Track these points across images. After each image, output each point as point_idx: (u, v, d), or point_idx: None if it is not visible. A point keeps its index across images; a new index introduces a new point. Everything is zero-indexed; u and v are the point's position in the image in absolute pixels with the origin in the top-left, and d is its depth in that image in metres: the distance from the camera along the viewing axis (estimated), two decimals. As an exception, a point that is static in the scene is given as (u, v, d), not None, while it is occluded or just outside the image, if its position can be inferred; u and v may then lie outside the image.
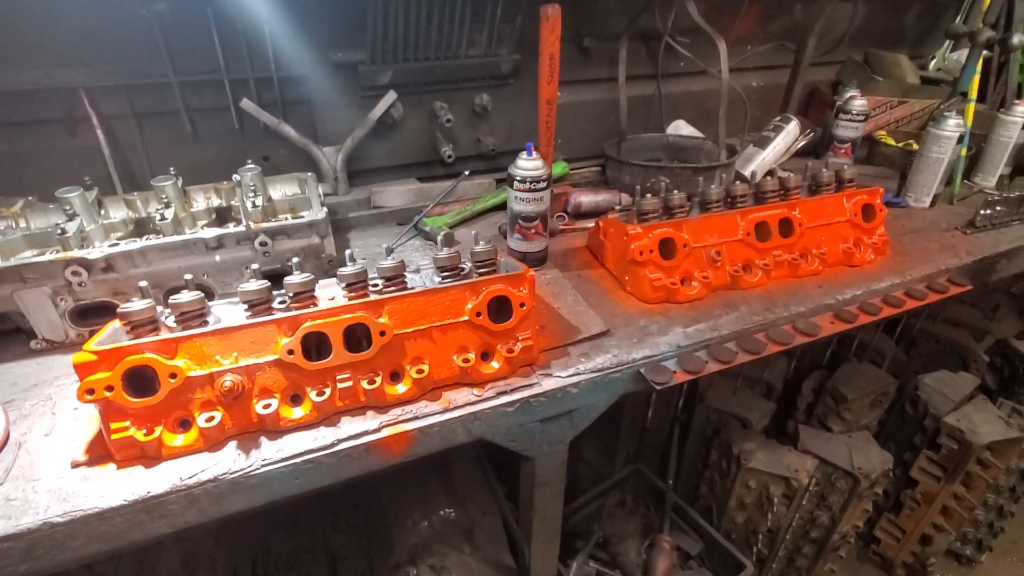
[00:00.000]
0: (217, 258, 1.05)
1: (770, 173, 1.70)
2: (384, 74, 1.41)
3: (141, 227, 1.12)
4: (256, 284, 0.89)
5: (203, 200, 1.19)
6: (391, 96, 1.44)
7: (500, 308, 0.98)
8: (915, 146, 1.59)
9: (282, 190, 1.25)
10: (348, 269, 0.93)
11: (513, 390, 0.95)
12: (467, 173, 1.54)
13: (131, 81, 1.27)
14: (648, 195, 1.20)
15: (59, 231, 0.96)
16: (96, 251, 0.97)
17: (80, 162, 1.28)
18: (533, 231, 1.21)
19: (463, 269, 1.01)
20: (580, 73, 1.72)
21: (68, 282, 0.96)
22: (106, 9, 1.19)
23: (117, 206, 1.15)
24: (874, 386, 1.73)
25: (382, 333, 0.91)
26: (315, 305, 0.90)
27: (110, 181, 1.28)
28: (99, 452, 0.82)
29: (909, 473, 1.72)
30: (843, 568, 1.95)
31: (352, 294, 0.93)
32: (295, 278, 0.91)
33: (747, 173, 1.59)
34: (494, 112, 1.61)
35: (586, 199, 1.47)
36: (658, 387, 0.99)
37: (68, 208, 1.02)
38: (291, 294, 0.91)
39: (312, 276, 0.92)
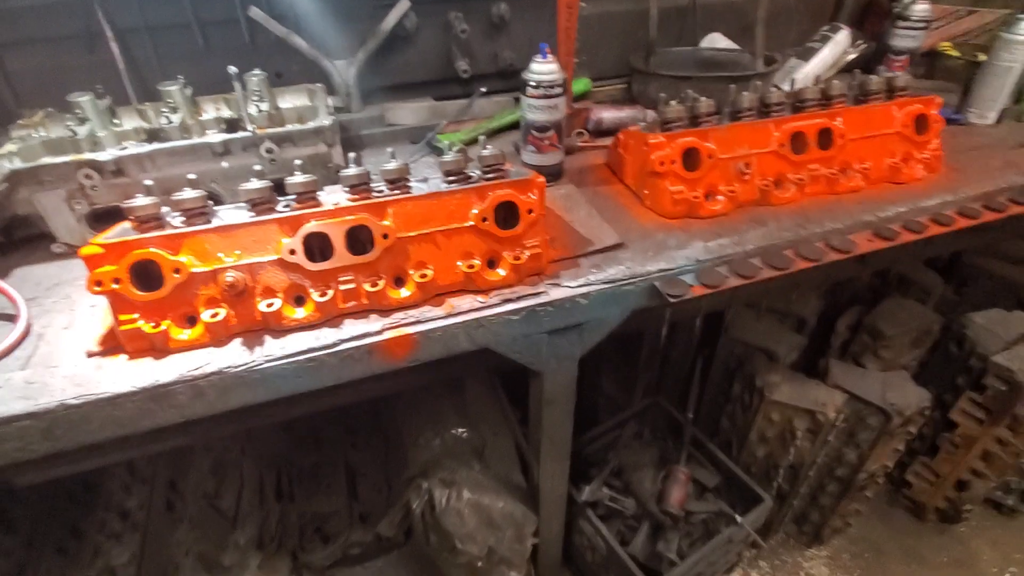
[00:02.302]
0: (224, 164, 1.04)
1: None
2: (396, -19, 1.34)
3: (153, 136, 1.11)
4: (258, 183, 0.87)
5: (213, 110, 1.17)
6: (403, 5, 1.37)
7: (509, 216, 0.94)
8: (983, 58, 1.42)
9: (291, 101, 1.22)
10: (351, 171, 0.91)
11: (519, 298, 0.93)
12: (483, 90, 1.47)
13: (139, -10, 1.24)
14: (672, 103, 1.12)
15: (71, 133, 0.96)
16: (106, 154, 0.97)
17: (98, 78, 1.26)
18: (547, 142, 1.15)
19: (471, 176, 0.97)
20: (609, -19, 1.60)
21: (82, 185, 0.97)
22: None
23: (131, 116, 1.14)
24: (916, 323, 1.63)
25: (385, 236, 0.88)
26: (318, 207, 0.89)
27: (126, 95, 1.28)
28: (112, 344, 0.84)
29: (949, 415, 1.63)
30: (870, 509, 1.91)
31: (355, 196, 0.91)
32: (297, 178, 0.89)
33: (786, 86, 1.46)
34: (513, 23, 1.52)
35: (608, 115, 1.39)
36: (672, 300, 0.94)
37: (79, 112, 1.02)
38: (293, 195, 0.89)
39: (314, 177, 0.90)
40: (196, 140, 1.00)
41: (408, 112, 1.43)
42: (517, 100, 1.53)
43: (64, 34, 1.25)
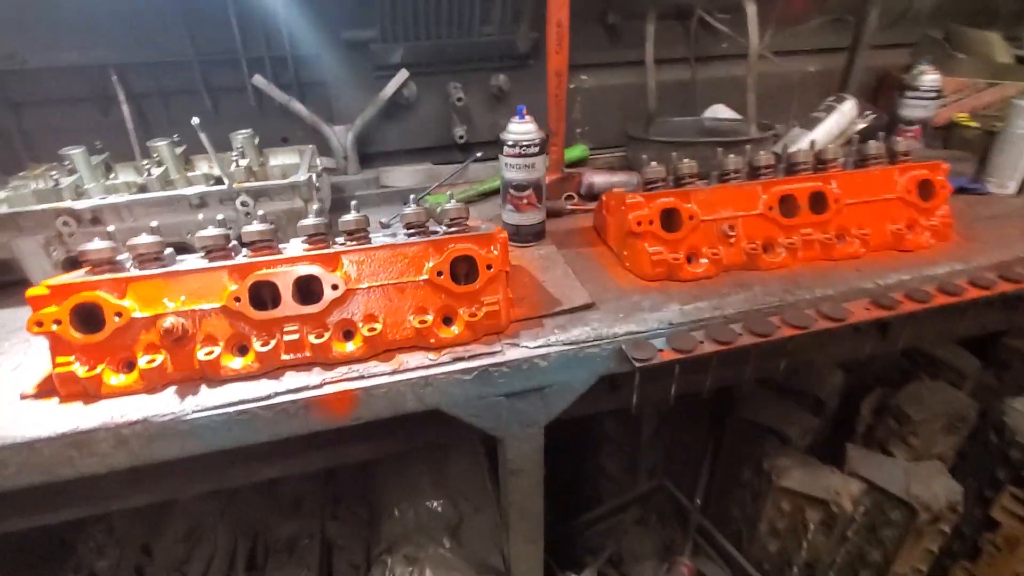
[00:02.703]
0: (200, 216, 1.05)
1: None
2: (395, 52, 1.41)
3: (142, 190, 1.15)
4: (214, 231, 0.88)
5: (205, 166, 1.22)
6: (402, 75, 1.43)
7: (471, 272, 0.91)
8: (1000, 127, 1.36)
9: (282, 159, 1.26)
10: (308, 221, 0.90)
11: (472, 356, 0.87)
12: (479, 155, 1.49)
13: (156, 59, 1.34)
14: (653, 164, 1.09)
15: (54, 183, 1.00)
16: (84, 203, 1.00)
17: (109, 138, 1.34)
18: (525, 201, 1.13)
19: (433, 229, 0.95)
20: (607, 55, 1.63)
21: (59, 232, 1.00)
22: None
23: (127, 171, 1.20)
24: (948, 408, 1.46)
25: (334, 287, 0.86)
26: (273, 256, 0.88)
27: (133, 154, 1.35)
28: (48, 387, 0.82)
29: (990, 513, 1.42)
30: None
31: (309, 246, 0.90)
32: (253, 227, 0.89)
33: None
34: (513, 94, 1.56)
35: (600, 179, 1.37)
36: (639, 364, 0.87)
37: (68, 164, 1.07)
38: (248, 242, 0.89)
39: (271, 227, 0.90)
40: (172, 192, 1.02)
41: (403, 175, 1.45)
42: (511, 165, 1.54)
43: (80, 96, 1.35)
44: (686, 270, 1.04)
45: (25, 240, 1.00)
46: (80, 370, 0.79)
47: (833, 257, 1.09)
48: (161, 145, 1.11)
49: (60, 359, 0.80)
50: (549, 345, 0.89)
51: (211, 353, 0.82)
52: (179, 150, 1.17)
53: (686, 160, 1.08)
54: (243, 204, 1.06)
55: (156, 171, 1.08)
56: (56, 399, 0.81)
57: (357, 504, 1.71)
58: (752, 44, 1.23)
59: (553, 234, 1.25)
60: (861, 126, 1.53)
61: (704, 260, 1.05)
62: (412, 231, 0.93)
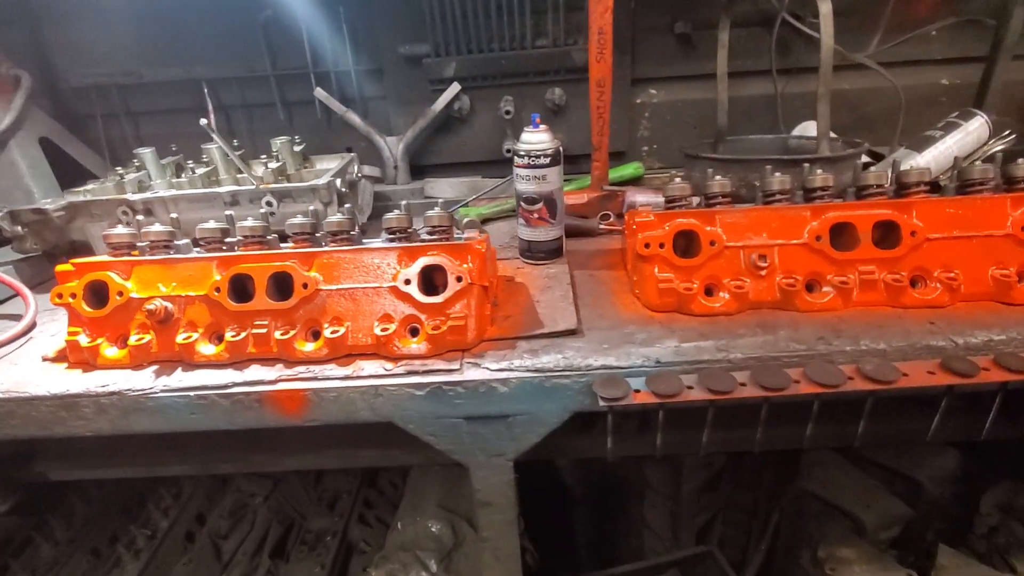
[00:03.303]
0: (231, 213, 1.13)
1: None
2: (448, 67, 1.42)
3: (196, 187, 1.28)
4: (213, 224, 0.93)
5: (260, 168, 1.32)
6: (454, 88, 1.43)
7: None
8: None
9: (324, 165, 1.32)
10: (297, 220, 0.93)
11: (427, 371, 0.82)
12: (526, 168, 1.44)
13: (240, 74, 1.49)
14: (677, 179, 0.96)
15: (118, 178, 1.14)
16: (137, 196, 1.12)
17: (201, 143, 1.53)
18: (536, 216, 1.05)
19: (415, 235, 0.93)
20: (680, 67, 1.50)
21: (119, 220, 1.14)
22: (228, 14, 1.43)
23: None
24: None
25: (304, 285, 0.87)
26: (263, 251, 0.91)
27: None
28: (63, 354, 0.93)
29: None
30: None
31: (294, 244, 0.92)
32: (247, 222, 0.93)
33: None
34: (570, 109, 1.50)
35: (643, 199, 1.25)
36: (604, 403, 0.75)
37: (137, 162, 1.22)
38: (240, 237, 0.93)
39: (263, 223, 0.93)
40: (208, 190, 1.11)
41: (446, 186, 1.45)
42: (566, 180, 1.47)
43: (183, 107, 1.54)
44: (699, 303, 0.89)
45: (94, 225, 1.14)
46: (84, 340, 0.88)
47: (903, 304, 0.87)
48: (212, 147, 1.22)
49: (72, 329, 0.89)
50: (511, 370, 0.81)
51: (189, 338, 0.87)
52: (238, 153, 1.27)
53: (717, 177, 0.94)
54: (268, 204, 1.12)
55: (200, 170, 1.19)
56: (65, 364, 0.90)
57: (386, 509, 1.72)
58: (825, 47, 1.03)
59: (576, 254, 1.16)
60: (997, 149, 1.22)
61: (724, 295, 0.89)
62: (392, 236, 0.91)
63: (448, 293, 0.85)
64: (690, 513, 1.48)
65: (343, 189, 1.18)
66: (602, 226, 1.23)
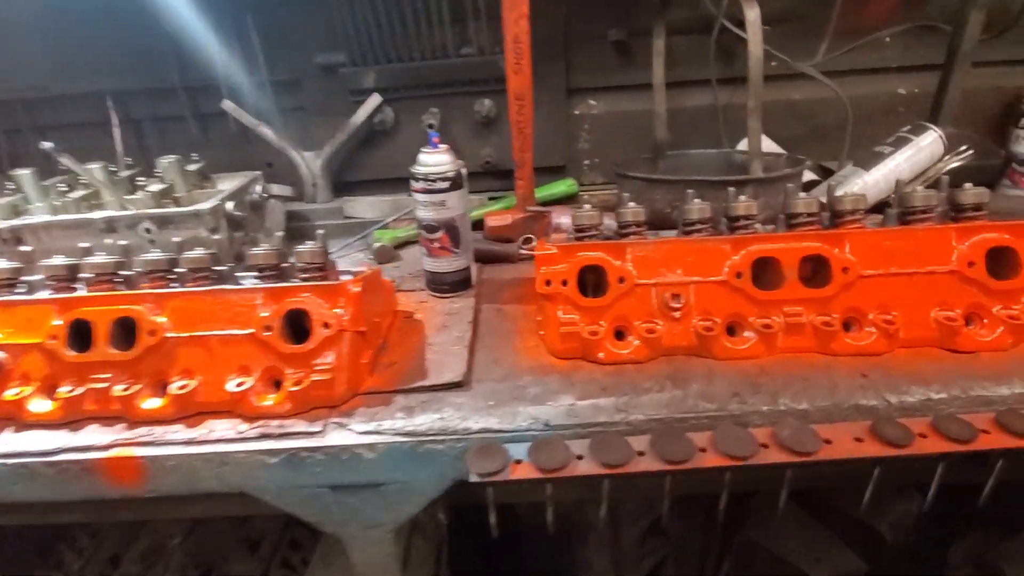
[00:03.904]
0: (107, 241, 1.02)
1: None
2: (367, 77, 1.31)
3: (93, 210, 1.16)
4: (59, 260, 0.82)
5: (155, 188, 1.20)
6: (374, 100, 1.32)
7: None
8: None
9: (229, 185, 1.21)
10: (151, 255, 0.81)
11: (283, 434, 0.70)
12: (453, 187, 1.34)
13: (149, 85, 1.38)
14: (586, 206, 0.86)
15: (-16, 202, 1.02)
16: (3, 223, 1.00)
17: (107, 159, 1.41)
18: (437, 245, 0.95)
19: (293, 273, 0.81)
20: (619, 77, 1.39)
21: (-17, 250, 1.02)
22: (135, 27, 1.31)
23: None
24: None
25: (152, 332, 0.75)
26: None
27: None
28: None
29: None
30: None
31: (150, 283, 0.81)
32: (95, 258, 0.82)
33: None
34: (502, 121, 1.39)
35: (568, 220, 1.14)
36: (475, 478, 0.64)
37: (11, 186, 1.10)
38: (91, 275, 0.82)
39: (117, 259, 0.82)
40: (80, 216, 1.00)
41: (366, 205, 1.34)
42: (492, 199, 1.36)
43: (90, 120, 1.42)
44: (606, 349, 0.78)
45: (-43, 254, 1.02)
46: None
47: (833, 350, 0.76)
48: (94, 168, 1.10)
49: None
50: (379, 432, 0.70)
51: (20, 394, 0.75)
52: (126, 173, 1.16)
53: (631, 204, 0.83)
54: (146, 231, 1.00)
55: (74, 194, 1.07)
56: None
57: (314, 552, 1.60)
58: (754, 56, 0.93)
59: (490, 284, 1.05)
60: (953, 165, 1.13)
61: (633, 338, 0.79)
62: (260, 274, 0.80)
63: (313, 341, 0.74)
64: (634, 559, 1.37)
65: (237, 213, 1.07)
66: (523, 251, 1.13)
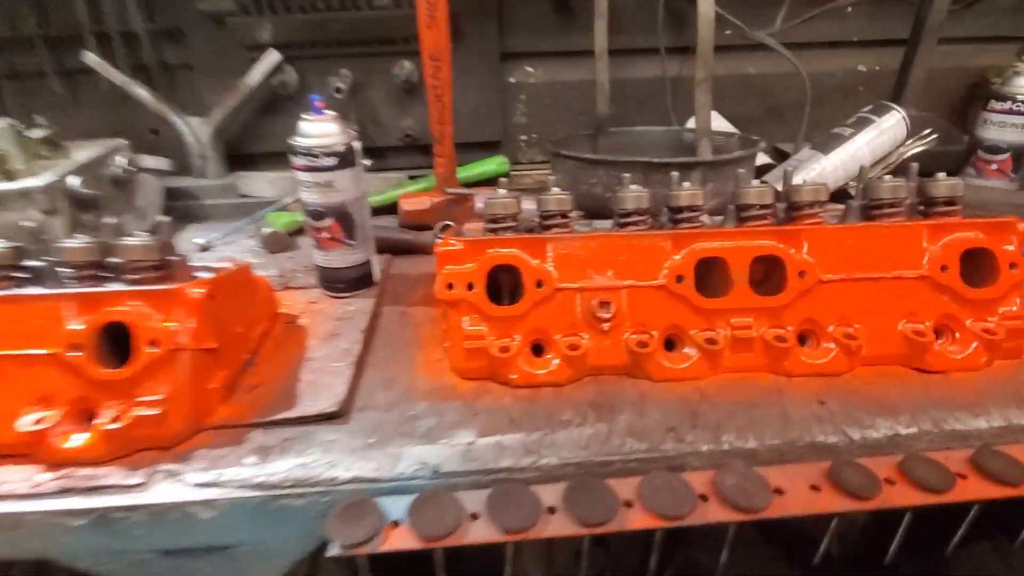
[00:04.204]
0: None
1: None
2: (262, 29, 1.11)
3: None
4: None
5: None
6: (272, 57, 1.12)
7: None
8: None
9: (88, 155, 0.99)
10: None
11: (90, 489, 0.54)
12: (368, 163, 1.16)
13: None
14: (500, 191, 0.71)
15: None
16: None
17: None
18: (326, 236, 0.78)
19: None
20: (561, 41, 1.23)
21: None
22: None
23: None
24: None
25: (-79, 354, 0.57)
26: None
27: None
28: None
29: None
30: None
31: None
32: None
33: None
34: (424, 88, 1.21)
35: (494, 205, 0.99)
36: (336, 550, 0.49)
37: None
38: None
39: None
40: None
41: (264, 182, 1.16)
42: (413, 178, 1.19)
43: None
44: (520, 369, 0.64)
45: None
46: None
47: (787, 370, 0.64)
48: None
49: None
50: (219, 484, 0.54)
51: None
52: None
53: (555, 190, 0.69)
54: (-40, 212, 0.79)
55: None
56: None
57: None
58: (704, 17, 0.79)
59: (398, 280, 0.90)
60: (916, 150, 1.03)
61: (552, 357, 0.65)
62: (77, 277, 0.61)
63: (137, 366, 0.57)
64: (570, 571, 1.27)
65: (86, 190, 0.87)
66: (440, 240, 0.97)
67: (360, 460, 0.55)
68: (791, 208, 0.68)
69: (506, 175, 1.17)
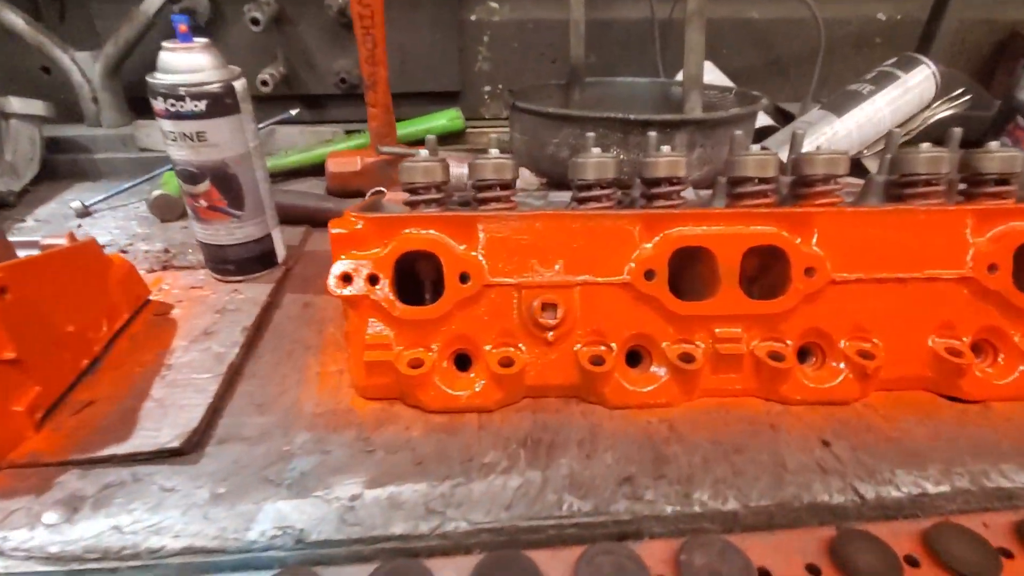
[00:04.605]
0: None
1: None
2: (160, -60, 0.90)
3: None
4: None
5: None
6: (174, -24, 0.92)
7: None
8: None
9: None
10: None
11: None
12: (293, 112, 0.98)
13: None
14: (422, 152, 0.54)
15: None
16: None
17: None
18: (203, 204, 0.61)
19: None
20: (531, -29, 1.04)
21: None
22: None
23: None
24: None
25: None
26: None
27: None
28: None
29: None
30: None
31: None
32: None
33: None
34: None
35: (440, 169, 0.82)
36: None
37: None
38: None
39: None
40: None
41: (168, 134, 0.97)
42: (350, 132, 1.01)
43: None
44: (436, 389, 0.49)
45: None
46: None
47: (783, 396, 0.50)
48: None
49: None
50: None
51: None
52: None
53: (493, 152, 0.52)
54: None
55: None
56: None
57: None
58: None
59: (310, 260, 0.73)
60: (943, 114, 0.86)
61: (477, 375, 0.50)
62: None
63: None
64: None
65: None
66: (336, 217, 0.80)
67: (198, 521, 0.40)
68: (799, 183, 0.53)
69: (462, 133, 0.99)
